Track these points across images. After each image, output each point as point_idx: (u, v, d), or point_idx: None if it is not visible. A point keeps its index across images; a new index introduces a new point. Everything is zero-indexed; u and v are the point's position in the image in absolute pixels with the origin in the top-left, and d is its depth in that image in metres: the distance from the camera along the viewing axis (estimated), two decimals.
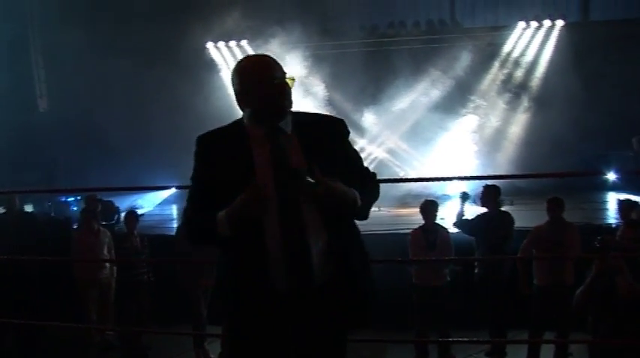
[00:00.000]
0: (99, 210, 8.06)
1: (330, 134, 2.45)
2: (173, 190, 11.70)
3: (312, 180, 2.23)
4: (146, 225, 9.14)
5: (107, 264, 7.43)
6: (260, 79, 2.35)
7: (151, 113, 12.89)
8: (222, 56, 15.51)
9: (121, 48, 12.67)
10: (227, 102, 14.29)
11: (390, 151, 14.84)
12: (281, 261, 2.31)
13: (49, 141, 12.86)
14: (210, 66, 15.08)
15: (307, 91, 14.33)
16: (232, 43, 15.28)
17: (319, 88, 14.32)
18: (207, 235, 2.40)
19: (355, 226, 2.53)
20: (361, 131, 14.80)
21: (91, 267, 7.36)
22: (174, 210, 12.64)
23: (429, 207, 6.68)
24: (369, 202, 2.45)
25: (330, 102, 14.52)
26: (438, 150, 13.83)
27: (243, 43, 15.16)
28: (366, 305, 2.45)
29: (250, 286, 2.35)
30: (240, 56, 15.21)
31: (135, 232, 7.24)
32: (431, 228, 6.61)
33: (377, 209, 11.87)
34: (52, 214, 11.10)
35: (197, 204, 2.43)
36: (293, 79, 2.38)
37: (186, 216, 2.49)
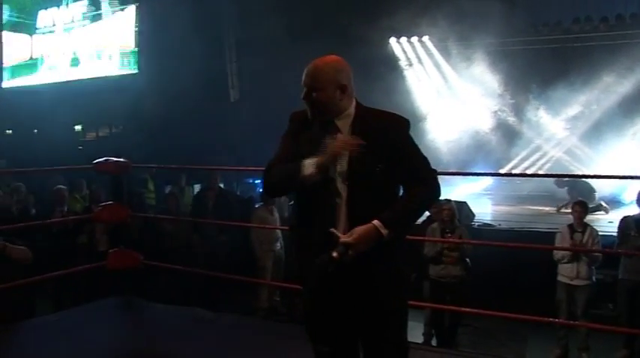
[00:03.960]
0: None
1: (386, 131, 2.55)
2: None
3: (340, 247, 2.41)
4: None
5: (280, 239, 8.55)
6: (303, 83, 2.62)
7: None
8: (404, 52, 15.76)
9: (309, 42, 13.45)
10: (409, 101, 14.87)
11: (568, 151, 14.48)
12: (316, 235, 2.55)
13: (238, 128, 14.25)
14: (391, 62, 15.34)
15: (485, 87, 14.53)
16: (414, 39, 15.49)
17: (496, 85, 14.33)
18: (287, 180, 2.59)
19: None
20: (537, 129, 14.73)
21: (267, 239, 8.47)
22: None
23: (577, 207, 6.95)
24: (407, 211, 2.55)
25: (505, 99, 14.56)
26: (618, 152, 13.19)
27: (425, 39, 15.37)
28: (380, 290, 2.56)
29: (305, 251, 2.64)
30: (421, 53, 15.76)
31: None
32: (579, 226, 6.82)
33: (554, 210, 12.10)
34: (238, 193, 12.46)
35: (282, 155, 2.67)
36: None
37: (268, 164, 2.69)
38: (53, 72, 17.63)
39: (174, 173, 11.67)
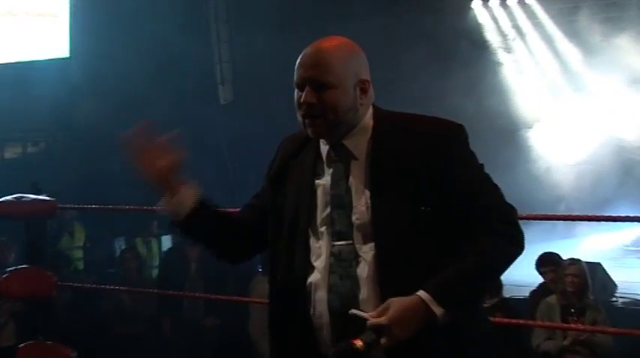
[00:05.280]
0: None
1: (428, 150, 2.51)
2: None
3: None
4: None
5: None
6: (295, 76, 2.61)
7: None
8: (496, 22, 15.84)
9: (338, 11, 13.64)
10: (506, 100, 14.95)
11: None
12: (328, 325, 2.56)
13: (233, 144, 14.36)
14: (475, 38, 15.43)
15: (635, 72, 14.33)
16: (512, 2, 15.61)
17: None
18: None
19: None
20: None
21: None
22: None
23: None
24: (471, 276, 2.47)
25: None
26: None
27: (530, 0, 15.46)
28: None
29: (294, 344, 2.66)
30: (524, 22, 15.73)
31: None
32: None
33: None
34: None
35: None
36: None
37: None
38: None
39: (127, 218, 11.73)
